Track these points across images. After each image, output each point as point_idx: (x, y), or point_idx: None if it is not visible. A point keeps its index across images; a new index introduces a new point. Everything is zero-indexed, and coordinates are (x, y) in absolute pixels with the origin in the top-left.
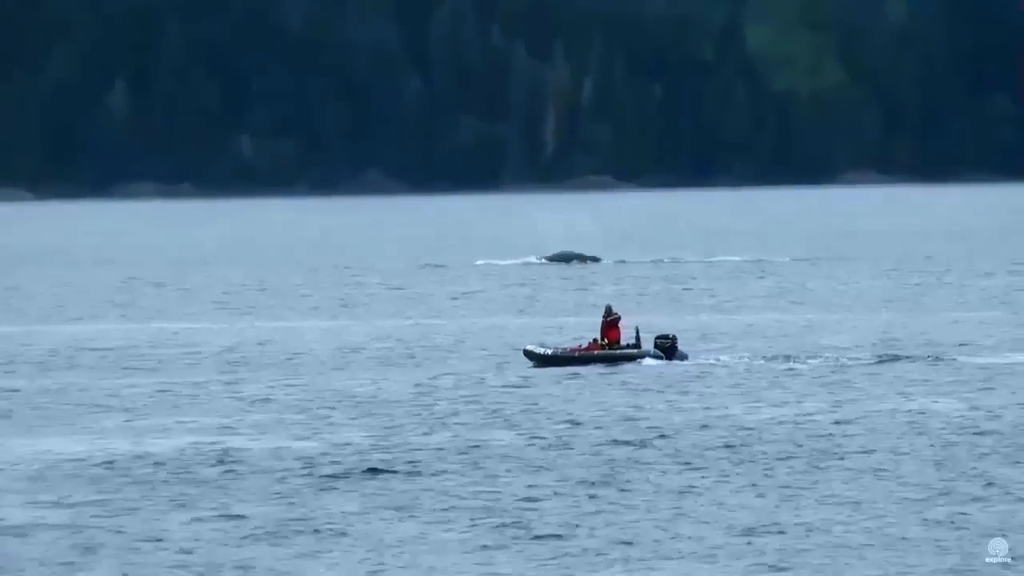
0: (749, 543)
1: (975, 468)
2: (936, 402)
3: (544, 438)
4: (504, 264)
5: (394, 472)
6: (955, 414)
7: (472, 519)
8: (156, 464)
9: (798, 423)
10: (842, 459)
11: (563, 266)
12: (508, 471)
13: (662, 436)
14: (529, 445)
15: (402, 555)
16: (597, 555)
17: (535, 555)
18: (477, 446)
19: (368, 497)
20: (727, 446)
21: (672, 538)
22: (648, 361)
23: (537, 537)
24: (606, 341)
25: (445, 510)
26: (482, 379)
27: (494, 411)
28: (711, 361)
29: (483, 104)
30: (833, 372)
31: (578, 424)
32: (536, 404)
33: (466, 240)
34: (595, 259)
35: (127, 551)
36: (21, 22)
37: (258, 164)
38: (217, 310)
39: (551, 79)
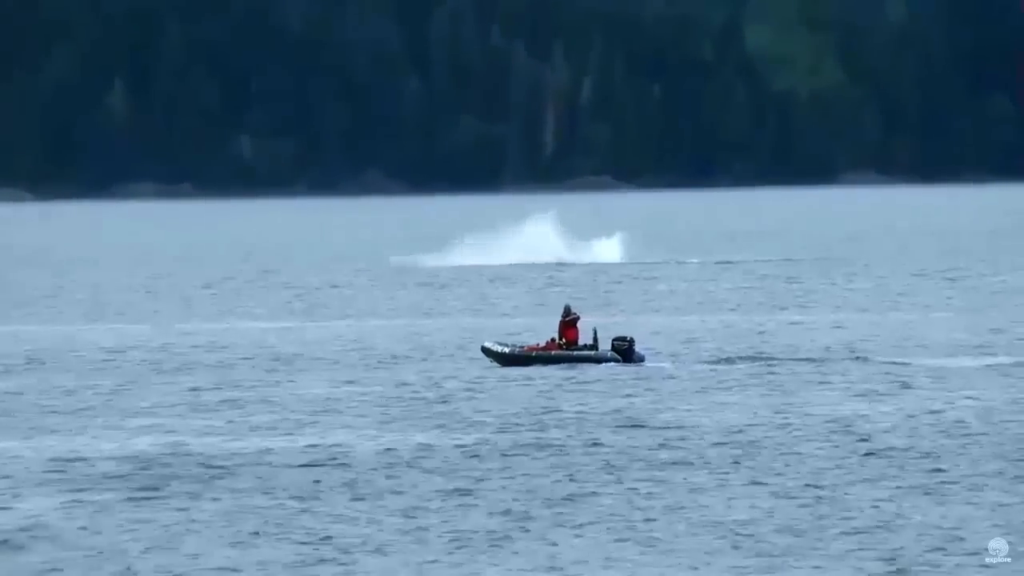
0: (736, 544)
1: (972, 467)
2: (926, 401)
3: (517, 437)
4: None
5: (374, 472)
6: (947, 414)
7: (453, 519)
8: (147, 465)
9: (777, 424)
10: (833, 460)
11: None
12: (484, 472)
13: (620, 436)
14: (504, 444)
15: (386, 556)
16: (583, 556)
17: (518, 556)
18: (439, 447)
19: (356, 500)
20: (685, 447)
21: (647, 538)
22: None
23: (515, 538)
24: (564, 341)
25: (419, 509)
26: (446, 379)
27: (457, 410)
28: (668, 363)
29: (483, 104)
30: (800, 373)
31: (544, 424)
32: (507, 404)
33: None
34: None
35: (129, 552)
36: (21, 22)
37: (258, 164)
38: (194, 310)
39: (551, 79)
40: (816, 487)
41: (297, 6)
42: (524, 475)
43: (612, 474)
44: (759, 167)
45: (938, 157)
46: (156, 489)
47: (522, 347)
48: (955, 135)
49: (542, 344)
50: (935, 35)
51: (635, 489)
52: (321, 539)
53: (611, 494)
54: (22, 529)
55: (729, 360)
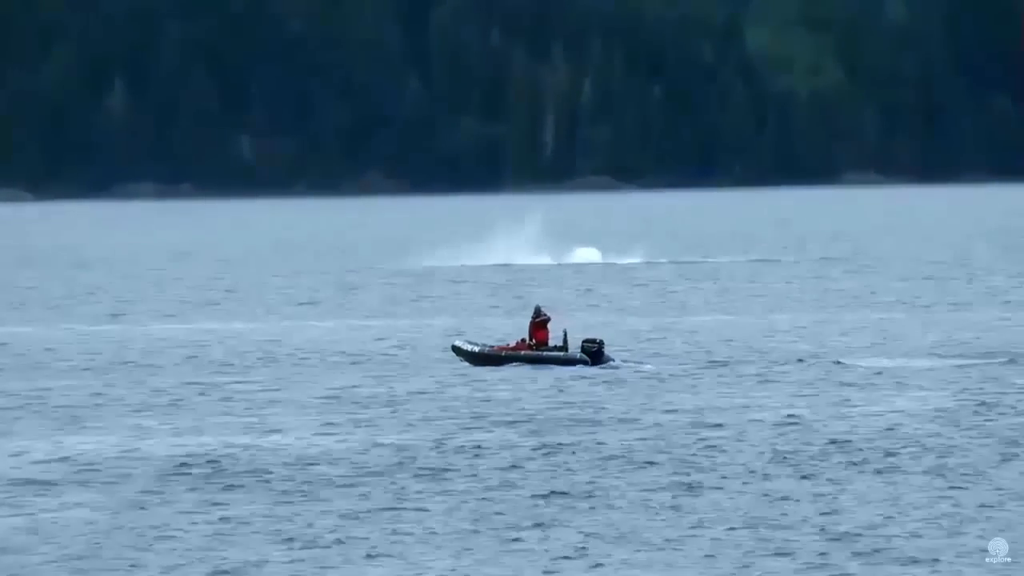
0: (728, 544)
1: (972, 467)
2: (920, 401)
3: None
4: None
5: (367, 473)
6: (939, 414)
7: (440, 518)
8: (148, 465)
9: (765, 424)
10: (828, 460)
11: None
12: (475, 471)
13: (594, 437)
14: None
15: (379, 558)
16: (570, 555)
17: (508, 555)
18: (431, 446)
19: (354, 500)
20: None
21: (635, 540)
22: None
23: (508, 539)
24: (534, 342)
25: (409, 510)
26: (422, 377)
27: (445, 409)
28: (640, 366)
29: (483, 105)
30: (787, 373)
31: (520, 423)
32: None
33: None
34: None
35: (134, 549)
36: (20, 22)
37: (257, 165)
38: (189, 310)
39: (551, 80)
40: (809, 488)
41: (297, 6)
42: (519, 474)
43: (595, 475)
44: (760, 168)
45: (939, 157)
46: (154, 489)
47: (492, 347)
48: (956, 135)
49: (512, 344)
50: (935, 35)
51: (625, 490)
52: (312, 539)
53: (596, 496)
54: (17, 529)
55: (709, 361)
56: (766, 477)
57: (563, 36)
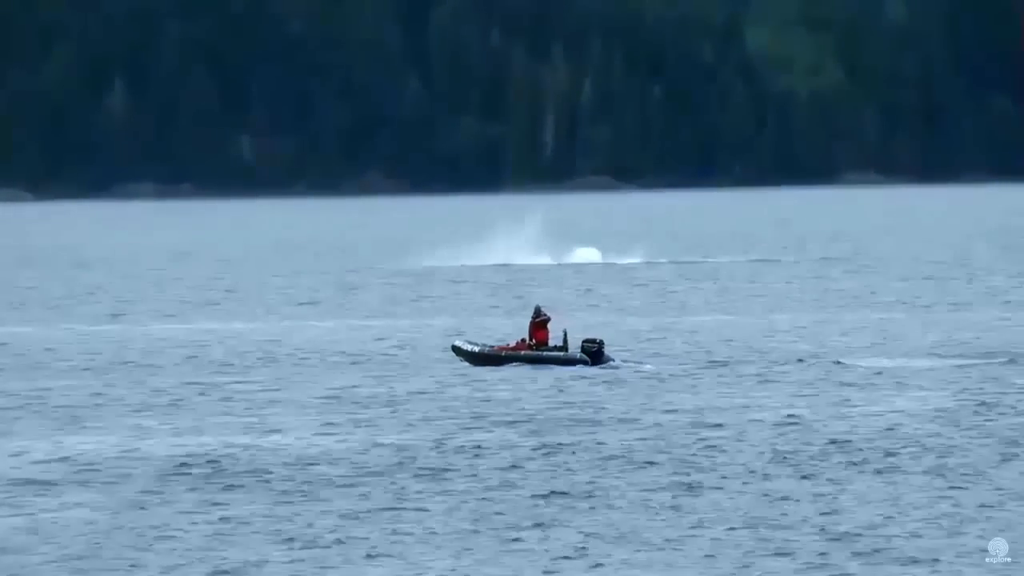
0: (729, 544)
1: (972, 467)
2: (920, 401)
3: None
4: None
5: (367, 473)
6: (938, 414)
7: (442, 520)
8: (146, 465)
9: (765, 424)
10: (828, 460)
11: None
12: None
13: (596, 437)
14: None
15: (378, 558)
16: (569, 555)
17: (514, 555)
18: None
19: (354, 500)
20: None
21: (635, 540)
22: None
23: (508, 539)
24: (534, 342)
25: (409, 510)
26: (424, 377)
27: (445, 411)
28: (640, 366)
29: (482, 105)
30: (787, 373)
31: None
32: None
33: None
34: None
35: (133, 549)
36: (20, 22)
37: (257, 165)
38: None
39: (550, 80)
40: (808, 488)
41: (297, 6)
42: (519, 474)
43: (595, 475)
44: (759, 168)
45: (939, 157)
46: (153, 489)
47: (492, 347)
48: (956, 135)
49: (512, 344)
50: (936, 34)
51: (625, 490)
52: (312, 539)
53: (596, 496)
54: (17, 529)
55: (709, 361)
56: (766, 477)
57: (563, 36)
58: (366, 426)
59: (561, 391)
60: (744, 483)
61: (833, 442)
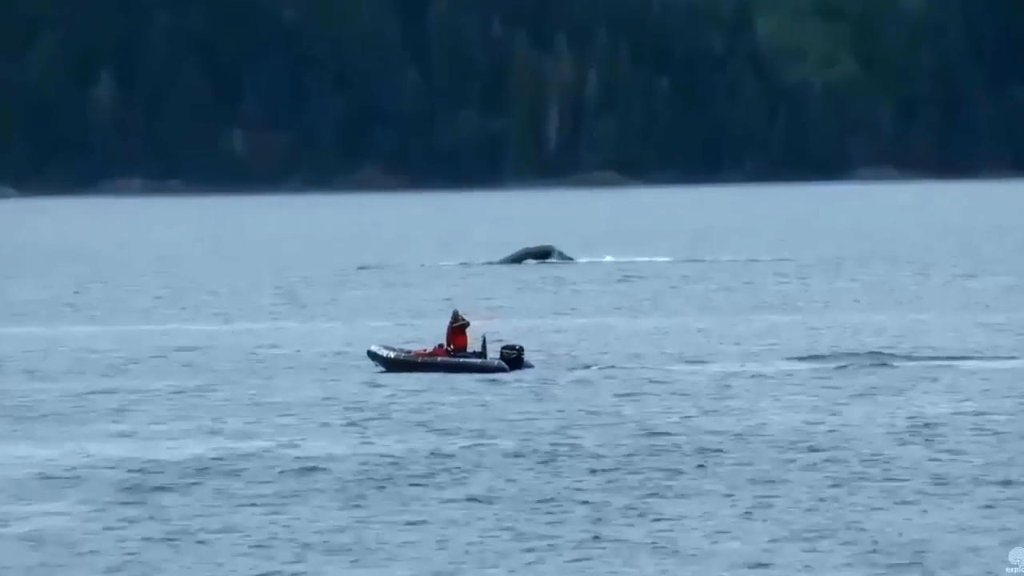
0: (741, 556)
1: (993, 474)
2: (928, 406)
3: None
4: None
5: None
6: (953, 419)
7: (432, 528)
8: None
9: (777, 430)
10: (837, 467)
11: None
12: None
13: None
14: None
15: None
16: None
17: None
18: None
19: (339, 507)
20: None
21: (620, 551)
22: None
23: (486, 549)
24: (452, 347)
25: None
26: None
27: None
28: (563, 374)
29: (483, 97)
30: (793, 375)
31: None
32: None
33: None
34: (567, 258)
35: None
36: (3, 11)
37: (250, 159)
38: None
39: (554, 71)
40: (820, 496)
41: None
42: (509, 481)
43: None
44: (771, 162)
45: (957, 151)
46: (135, 498)
47: (409, 352)
48: (975, 128)
49: (429, 350)
50: (954, 24)
51: (613, 499)
52: (302, 545)
53: (588, 504)
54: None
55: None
56: (769, 483)
57: (567, 26)
58: (278, 434)
59: (474, 397)
60: (745, 493)
61: (836, 449)
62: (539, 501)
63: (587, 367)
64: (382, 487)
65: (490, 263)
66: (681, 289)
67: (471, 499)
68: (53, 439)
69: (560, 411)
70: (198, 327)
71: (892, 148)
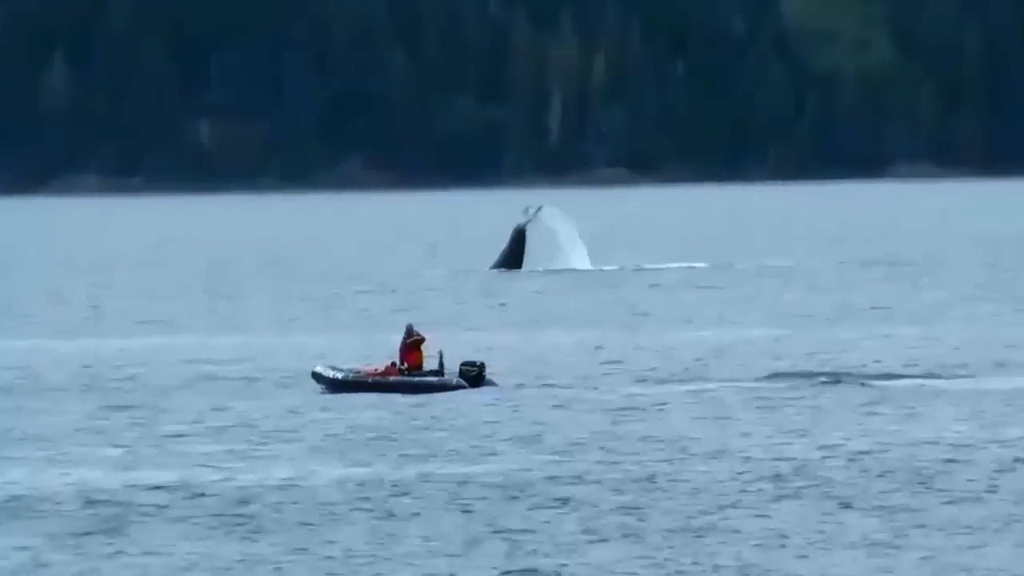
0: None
1: (1000, 503)
2: (942, 430)
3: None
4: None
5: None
6: (963, 440)
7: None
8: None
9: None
10: (853, 486)
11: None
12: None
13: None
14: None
15: None
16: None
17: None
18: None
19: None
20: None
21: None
22: (454, 390)
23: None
24: (405, 365)
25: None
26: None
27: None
28: (525, 391)
29: (479, 84)
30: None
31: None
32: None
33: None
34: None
35: None
36: None
37: (219, 153)
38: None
39: (558, 55)
40: (835, 515)
41: None
42: (466, 512)
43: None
44: (798, 157)
45: (1006, 145)
46: (101, 529)
47: (358, 371)
48: None
49: (381, 369)
50: (1001, 2)
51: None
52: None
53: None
54: None
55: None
56: (763, 509)
57: (572, 4)
58: (206, 463)
59: (430, 419)
60: (746, 515)
61: (851, 472)
62: (494, 532)
63: (558, 386)
64: (318, 521)
65: (475, 270)
66: (680, 297)
67: (422, 534)
68: None
69: (525, 434)
70: (120, 342)
71: (933, 141)
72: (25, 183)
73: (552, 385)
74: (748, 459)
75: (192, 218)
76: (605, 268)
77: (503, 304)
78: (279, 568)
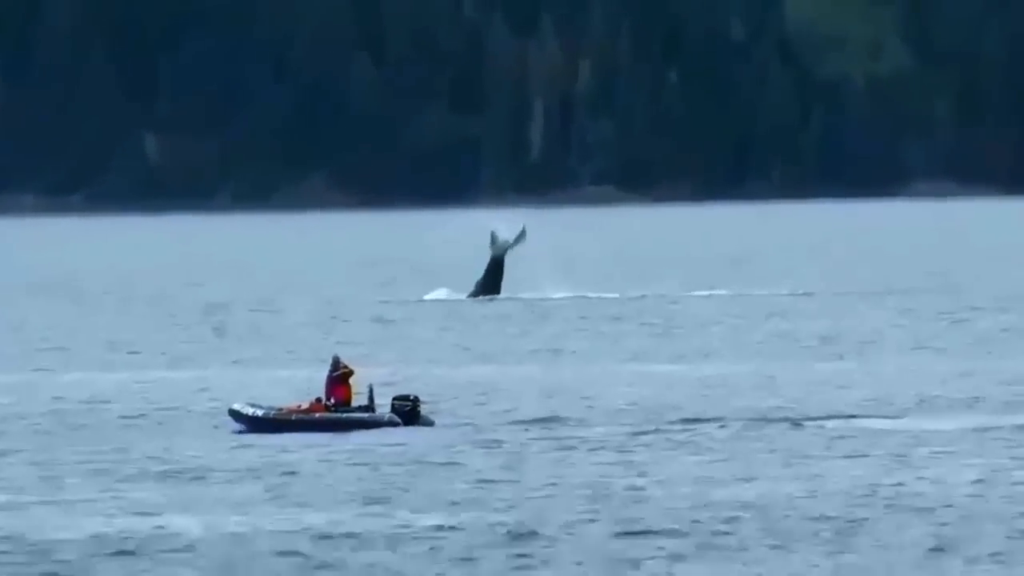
0: None
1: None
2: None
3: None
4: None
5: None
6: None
7: None
8: None
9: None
10: (859, 523)
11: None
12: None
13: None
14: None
15: None
16: None
17: None
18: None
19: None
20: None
21: None
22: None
23: None
24: (332, 401)
25: None
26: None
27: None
28: (464, 426)
29: (453, 93)
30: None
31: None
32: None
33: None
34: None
35: None
36: None
37: (168, 170)
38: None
39: (538, 60)
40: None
41: None
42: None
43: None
44: (803, 174)
45: None
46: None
47: (280, 409)
48: None
49: (305, 405)
50: None
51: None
52: None
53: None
54: None
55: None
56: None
57: (554, 6)
58: (115, 509)
59: (358, 460)
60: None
61: (857, 509)
62: None
63: (499, 423)
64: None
65: (447, 300)
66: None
67: None
68: None
69: (462, 476)
70: (12, 377)
71: (952, 156)
72: None
73: (498, 424)
74: (686, 499)
75: (132, 240)
76: (590, 295)
77: (443, 329)
78: None
